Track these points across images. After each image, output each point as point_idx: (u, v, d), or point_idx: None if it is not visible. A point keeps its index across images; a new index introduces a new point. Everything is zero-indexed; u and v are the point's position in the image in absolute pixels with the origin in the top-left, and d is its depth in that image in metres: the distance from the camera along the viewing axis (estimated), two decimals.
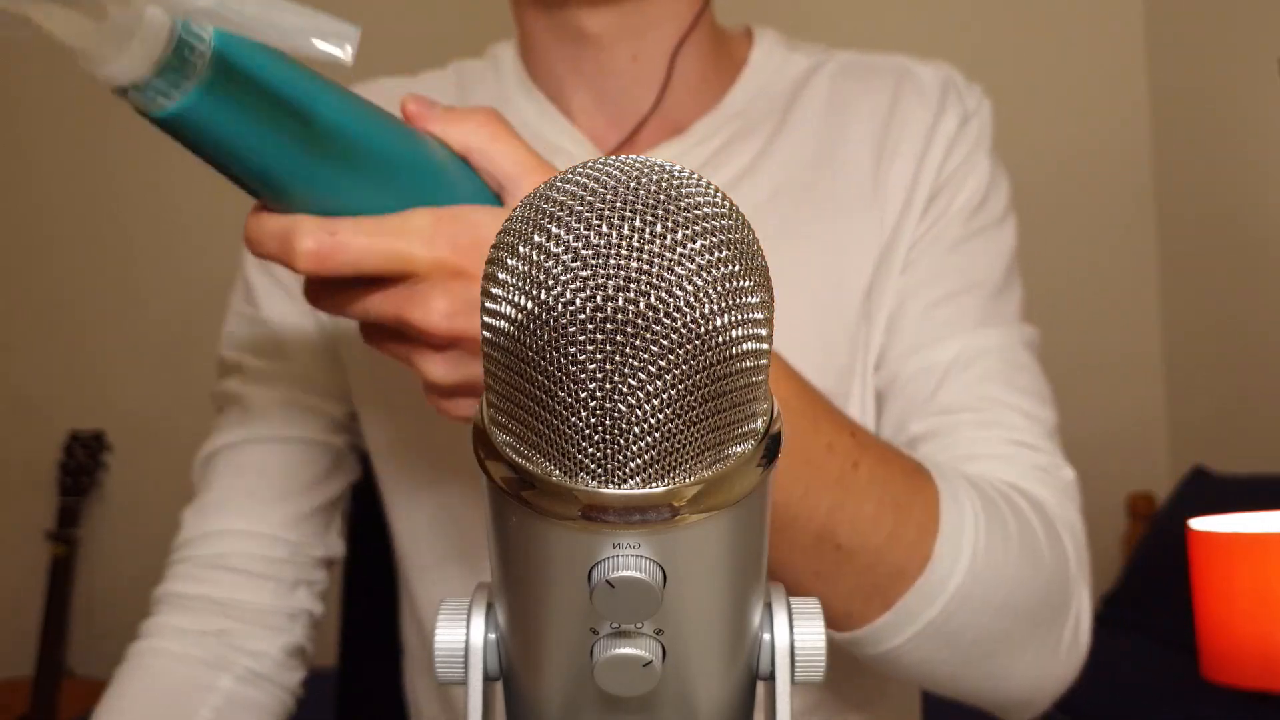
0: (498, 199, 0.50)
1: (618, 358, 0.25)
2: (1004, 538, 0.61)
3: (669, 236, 0.25)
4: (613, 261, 0.25)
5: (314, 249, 0.45)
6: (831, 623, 0.60)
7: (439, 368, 0.48)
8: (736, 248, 0.26)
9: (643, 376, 0.25)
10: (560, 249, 0.25)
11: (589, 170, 0.27)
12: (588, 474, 0.26)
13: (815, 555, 0.56)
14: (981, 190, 0.74)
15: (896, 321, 0.72)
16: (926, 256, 0.73)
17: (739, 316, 0.26)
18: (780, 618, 0.34)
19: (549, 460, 0.27)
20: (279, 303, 0.76)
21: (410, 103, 0.50)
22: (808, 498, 0.54)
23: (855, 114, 0.76)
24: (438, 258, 0.46)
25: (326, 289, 0.49)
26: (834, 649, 0.73)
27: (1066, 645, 0.66)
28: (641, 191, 0.26)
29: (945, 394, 0.70)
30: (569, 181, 0.26)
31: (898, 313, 0.72)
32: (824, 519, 0.55)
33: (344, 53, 0.37)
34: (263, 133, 0.42)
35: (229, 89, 0.40)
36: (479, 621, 0.34)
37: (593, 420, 0.26)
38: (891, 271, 0.72)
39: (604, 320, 0.25)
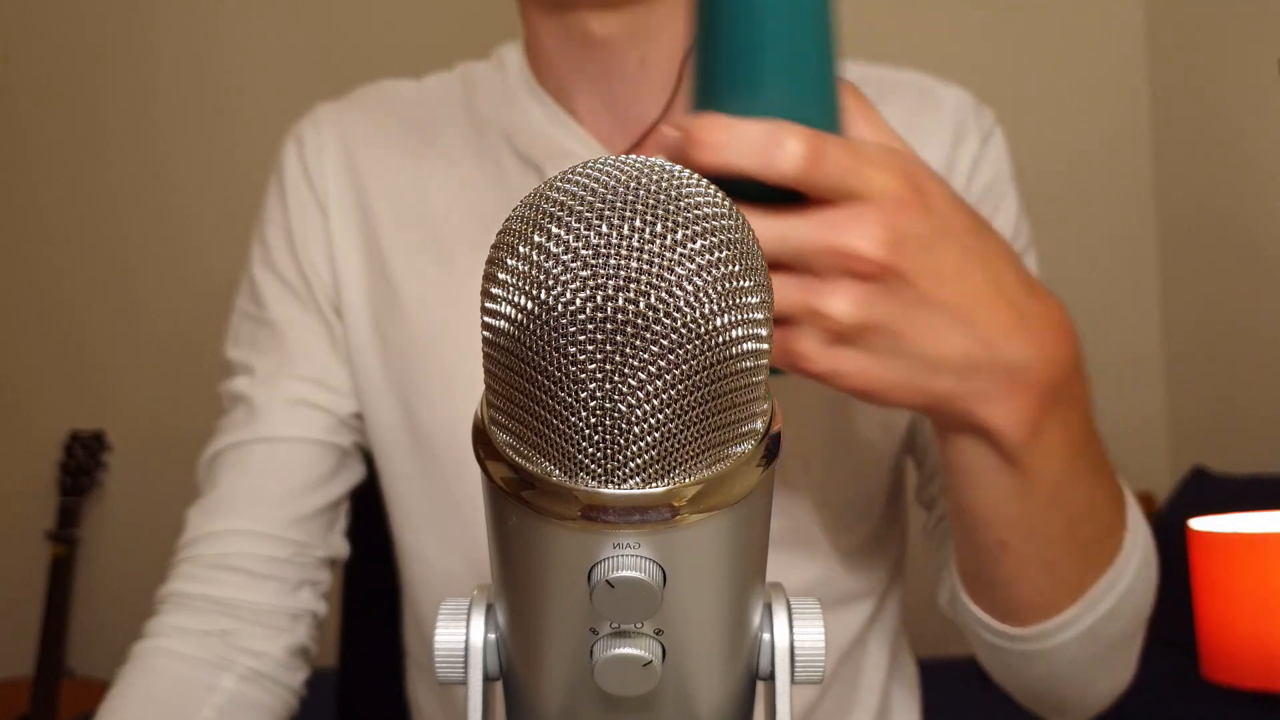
0: None
1: (618, 358, 0.25)
2: (1148, 542, 0.63)
3: (669, 236, 0.25)
4: (613, 261, 0.25)
5: (806, 153, 0.44)
6: (1019, 615, 0.61)
7: (847, 303, 0.46)
8: (736, 248, 0.26)
9: (643, 376, 0.25)
10: (560, 249, 0.25)
11: (589, 170, 0.27)
12: (588, 474, 0.26)
13: (1061, 541, 0.58)
14: (1012, 223, 0.75)
15: None
16: None
17: (739, 316, 0.26)
18: (780, 618, 0.34)
19: (549, 460, 0.27)
20: (285, 302, 0.76)
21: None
22: (1082, 481, 0.56)
23: None
24: (891, 184, 0.45)
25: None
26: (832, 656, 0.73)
27: (1136, 658, 0.68)
28: (641, 191, 0.26)
29: None
30: (569, 181, 0.26)
31: None
32: (1084, 503, 0.57)
33: None
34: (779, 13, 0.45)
35: None
36: (479, 622, 0.34)
37: (593, 420, 0.26)
38: None
39: (604, 320, 0.25)
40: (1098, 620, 0.61)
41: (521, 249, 0.26)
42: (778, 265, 0.46)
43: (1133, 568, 0.61)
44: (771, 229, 0.45)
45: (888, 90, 0.77)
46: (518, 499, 0.28)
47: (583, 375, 0.25)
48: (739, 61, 0.46)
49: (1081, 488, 0.56)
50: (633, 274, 0.25)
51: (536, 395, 0.26)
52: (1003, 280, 0.49)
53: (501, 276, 0.26)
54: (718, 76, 0.47)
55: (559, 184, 0.27)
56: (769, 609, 0.35)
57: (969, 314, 0.48)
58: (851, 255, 0.45)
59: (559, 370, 0.25)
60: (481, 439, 0.29)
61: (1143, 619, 0.66)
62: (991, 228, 0.51)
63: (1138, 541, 0.62)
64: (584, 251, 0.25)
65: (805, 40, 0.46)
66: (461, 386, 0.72)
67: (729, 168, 0.44)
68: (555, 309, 0.25)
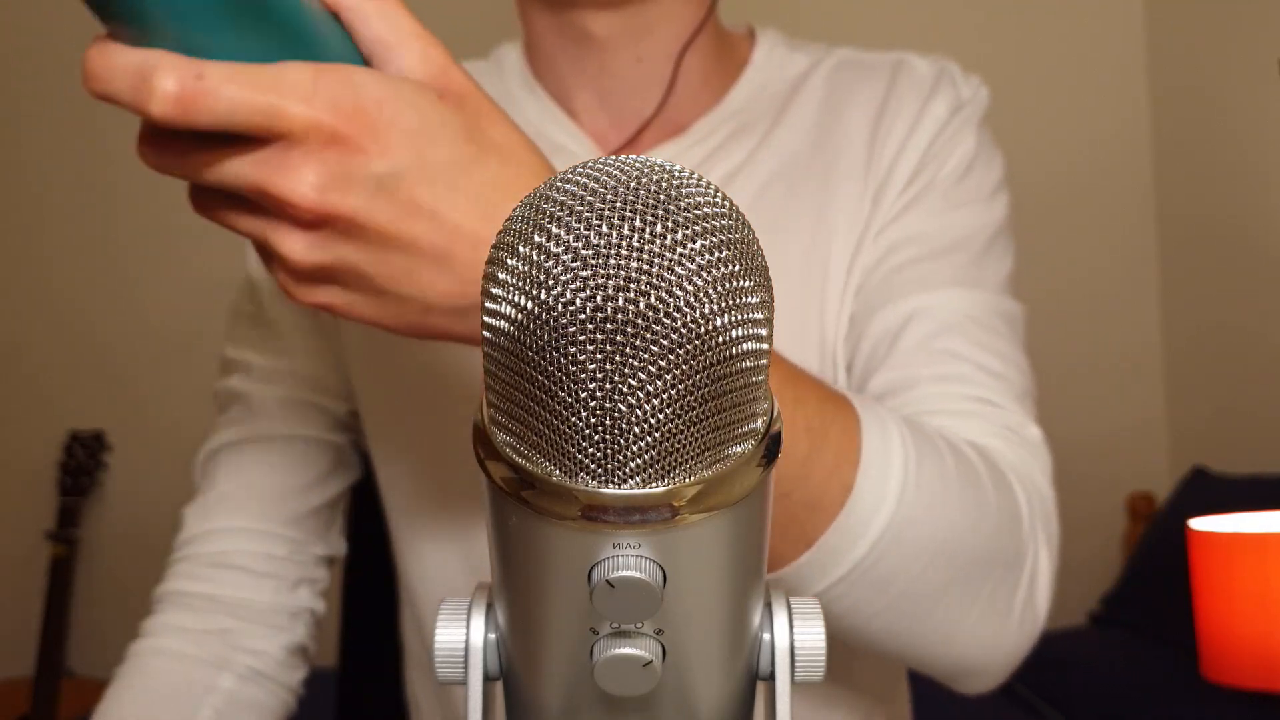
0: (366, 65, 0.44)
1: (618, 358, 0.25)
2: (940, 477, 0.57)
3: (669, 236, 0.25)
4: (613, 261, 0.25)
5: (176, 92, 0.38)
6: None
7: (299, 246, 0.42)
8: (736, 248, 0.26)
9: (643, 376, 0.25)
10: (560, 249, 0.25)
11: (589, 170, 0.27)
12: (588, 474, 0.26)
13: None
14: (966, 163, 0.73)
15: (865, 283, 0.70)
16: (905, 225, 0.71)
17: (739, 316, 0.26)
18: (780, 618, 0.34)
19: (549, 460, 0.27)
20: (281, 300, 0.76)
21: None
22: None
23: (851, 106, 0.76)
24: (315, 119, 0.40)
25: (171, 144, 0.42)
26: None
27: (1020, 608, 0.61)
28: (642, 191, 0.26)
29: (904, 348, 0.67)
30: (569, 181, 0.26)
31: (868, 277, 0.71)
32: None
33: None
34: None
35: None
36: (479, 621, 0.34)
37: (593, 420, 0.26)
38: (866, 245, 0.71)
39: (604, 320, 0.25)
40: (856, 569, 0.55)
41: (521, 249, 0.26)
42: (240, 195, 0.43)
43: (884, 514, 0.55)
44: (214, 162, 0.41)
45: (867, 70, 0.77)
46: (518, 499, 0.28)
47: (583, 375, 0.25)
48: None
49: None
50: (633, 274, 0.25)
51: (536, 395, 0.26)
52: (500, 212, 0.43)
53: (501, 276, 0.26)
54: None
55: (559, 184, 0.27)
56: (769, 609, 0.35)
57: (445, 253, 0.43)
58: (284, 201, 0.41)
59: (559, 370, 0.25)
60: (481, 439, 0.29)
61: (964, 561, 0.58)
62: (515, 156, 0.45)
63: (888, 484, 0.55)
64: (584, 251, 0.25)
65: None
66: (456, 384, 0.72)
67: (108, 98, 0.40)
68: (555, 309, 0.25)
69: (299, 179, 0.40)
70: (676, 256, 0.25)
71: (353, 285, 0.44)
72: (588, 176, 0.26)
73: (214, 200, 0.44)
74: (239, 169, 0.41)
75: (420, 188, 0.42)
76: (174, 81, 0.38)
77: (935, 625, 0.59)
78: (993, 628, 0.60)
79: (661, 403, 0.25)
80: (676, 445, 0.26)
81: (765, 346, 0.27)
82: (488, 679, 0.35)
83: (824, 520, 0.54)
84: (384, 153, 0.41)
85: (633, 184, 0.26)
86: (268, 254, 0.44)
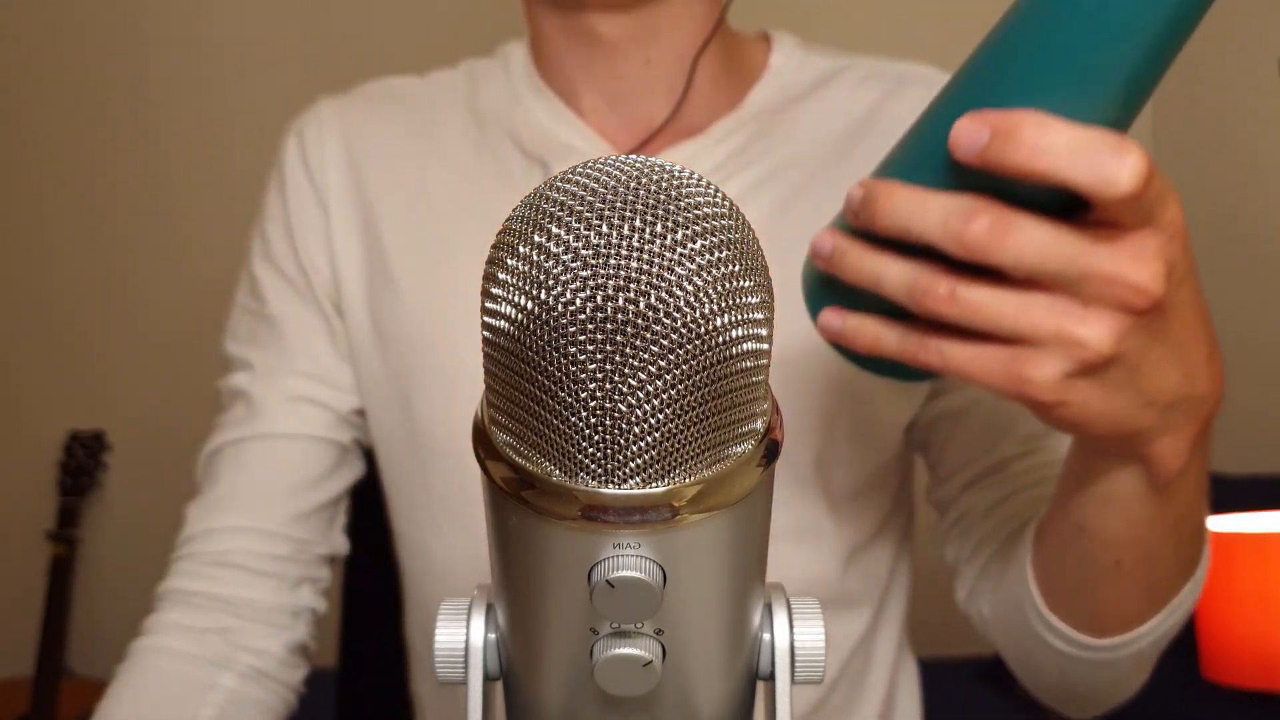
0: None
1: (618, 358, 0.25)
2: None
3: (669, 236, 0.25)
4: (613, 261, 0.25)
5: (1145, 172, 0.40)
6: (1103, 627, 0.62)
7: (1107, 333, 0.43)
8: (736, 248, 0.26)
9: (643, 376, 0.25)
10: (560, 249, 0.25)
11: (589, 170, 0.27)
12: (588, 474, 0.26)
13: (1170, 563, 0.59)
14: None
15: None
16: None
17: (739, 316, 0.26)
18: (780, 618, 0.34)
19: (549, 460, 0.27)
20: (285, 297, 0.76)
21: None
22: (1199, 507, 0.56)
23: (883, 118, 0.75)
24: (1176, 217, 0.43)
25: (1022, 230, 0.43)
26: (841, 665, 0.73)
27: None
28: (641, 191, 0.26)
29: (1028, 421, 0.71)
30: (569, 181, 0.26)
31: None
32: (1195, 527, 0.58)
33: None
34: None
35: None
36: (479, 621, 0.34)
37: (593, 420, 0.26)
38: None
39: (604, 320, 0.25)
40: (1170, 626, 0.62)
41: (522, 249, 0.26)
42: (1032, 282, 0.43)
43: (1202, 575, 0.62)
44: (1058, 246, 0.42)
45: (906, 83, 0.77)
46: (518, 499, 0.28)
47: (583, 375, 0.25)
48: (1073, 56, 0.41)
49: (1198, 513, 0.57)
50: (633, 274, 0.25)
51: (536, 395, 0.26)
52: (1204, 310, 0.47)
53: (502, 276, 0.26)
54: (1035, 69, 0.41)
55: (559, 184, 0.27)
56: (769, 609, 0.35)
57: (1186, 349, 0.46)
58: (1133, 287, 0.42)
59: (559, 370, 0.25)
60: (481, 439, 0.29)
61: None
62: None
63: (1204, 567, 0.63)
64: (584, 251, 0.25)
65: (1155, 42, 0.41)
66: (462, 382, 0.72)
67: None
68: (555, 309, 0.25)
69: (1154, 269, 0.42)
70: (676, 256, 0.25)
71: (1111, 379, 0.45)
72: (588, 176, 0.26)
73: (934, 340, 0.46)
74: (1096, 255, 0.42)
75: (1188, 286, 0.45)
76: (1145, 164, 0.40)
77: (1143, 678, 0.67)
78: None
79: (661, 403, 0.25)
80: (676, 445, 0.26)
81: (765, 346, 0.27)
82: (488, 679, 0.35)
83: (1178, 588, 0.61)
84: (1188, 250, 0.44)
85: (632, 184, 0.26)
86: (1021, 343, 0.44)
